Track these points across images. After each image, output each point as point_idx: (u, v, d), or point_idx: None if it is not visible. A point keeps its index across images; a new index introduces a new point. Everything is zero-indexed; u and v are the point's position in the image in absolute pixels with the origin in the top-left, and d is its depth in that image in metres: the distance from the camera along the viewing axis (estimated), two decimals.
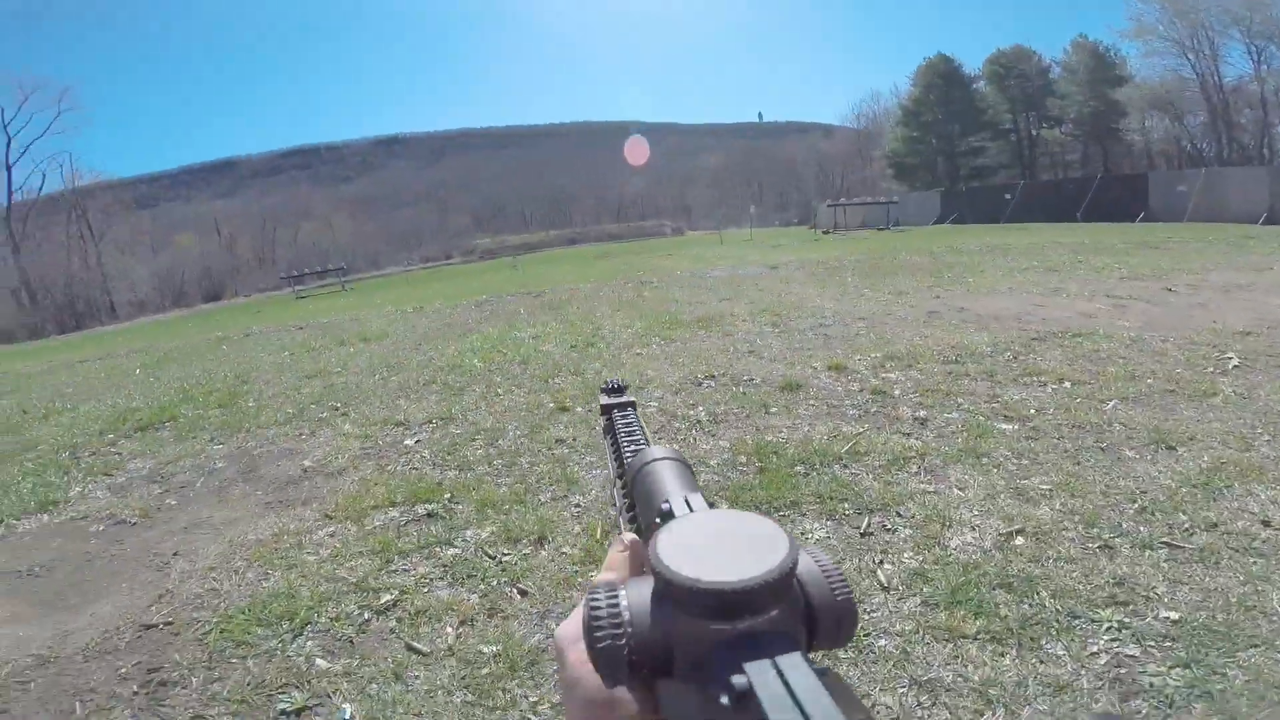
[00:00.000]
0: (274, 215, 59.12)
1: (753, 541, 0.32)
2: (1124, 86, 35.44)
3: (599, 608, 0.33)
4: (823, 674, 0.27)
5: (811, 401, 4.28)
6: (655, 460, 0.51)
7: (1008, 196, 27.60)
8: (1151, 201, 21.65)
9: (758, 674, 0.27)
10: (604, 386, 0.68)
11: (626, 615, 0.32)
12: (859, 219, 30.06)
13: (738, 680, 0.26)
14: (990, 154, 42.33)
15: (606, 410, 0.65)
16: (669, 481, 0.49)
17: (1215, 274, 8.11)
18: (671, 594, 0.31)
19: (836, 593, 0.33)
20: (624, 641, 0.32)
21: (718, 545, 0.33)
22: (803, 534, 2.64)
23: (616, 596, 0.33)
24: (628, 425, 0.61)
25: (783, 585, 0.31)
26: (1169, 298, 6.82)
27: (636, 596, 0.33)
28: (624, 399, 0.66)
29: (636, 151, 75.52)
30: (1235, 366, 4.32)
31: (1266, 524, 2.39)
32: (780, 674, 0.26)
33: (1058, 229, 18.88)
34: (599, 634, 0.32)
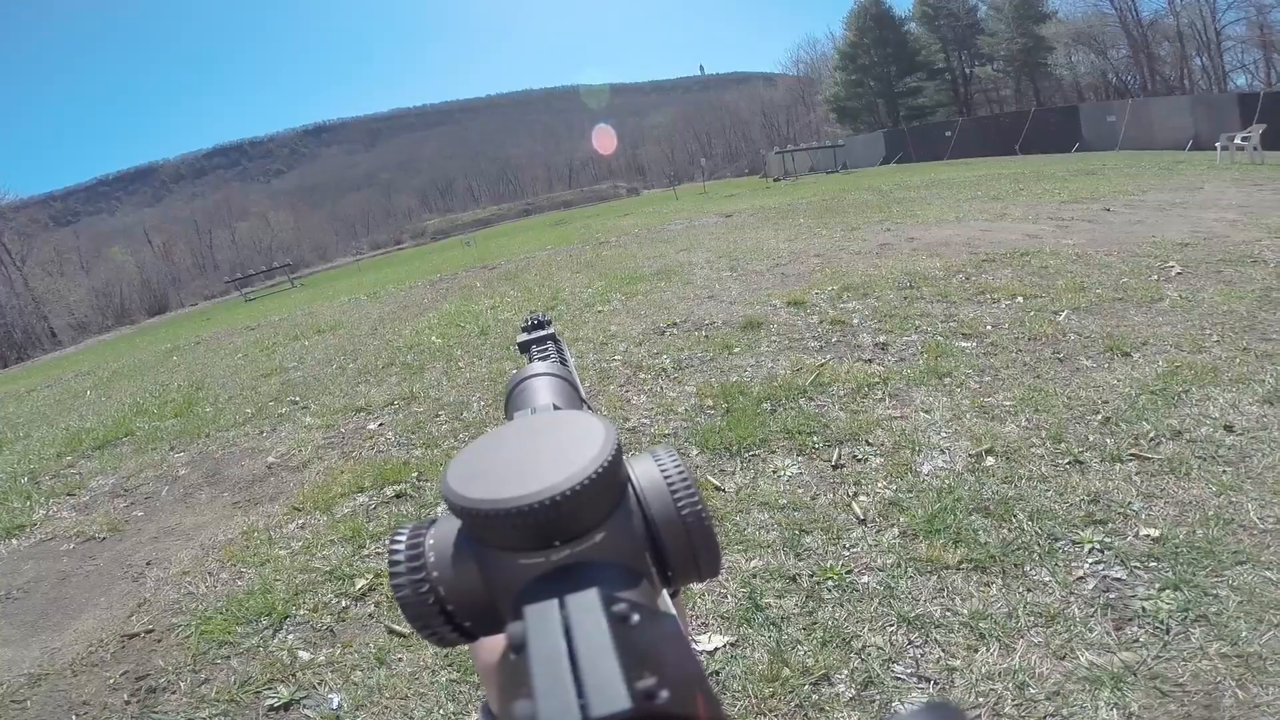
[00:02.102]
0: (207, 218, 56.79)
1: (564, 447, 0.26)
2: (1048, 23, 36.23)
3: (397, 551, 0.27)
4: (622, 620, 0.21)
5: (773, 338, 4.31)
6: (530, 376, 0.45)
7: (948, 134, 27.93)
8: (1084, 132, 22.22)
9: (538, 620, 0.21)
10: (523, 324, 0.62)
11: (431, 558, 0.26)
12: (808, 164, 30.12)
13: (514, 630, 0.21)
14: (928, 94, 42.75)
15: (525, 348, 0.59)
16: (539, 395, 0.43)
17: (1150, 194, 8.35)
18: (466, 524, 0.25)
19: (681, 505, 0.27)
20: (427, 589, 0.26)
21: (523, 457, 0.26)
22: (774, 472, 2.65)
23: (420, 536, 0.27)
24: (544, 358, 0.55)
25: (594, 498, 0.24)
26: (1109, 217, 7.00)
27: (443, 535, 0.27)
28: (543, 333, 0.60)
29: (604, 141, 74.02)
30: (1178, 274, 4.46)
31: (1229, 429, 2.43)
32: (565, 619, 0.21)
33: (998, 162, 19.24)
34: (396, 582, 0.26)
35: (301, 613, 2.33)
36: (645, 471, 0.28)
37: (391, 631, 2.14)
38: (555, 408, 0.39)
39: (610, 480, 0.25)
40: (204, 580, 2.71)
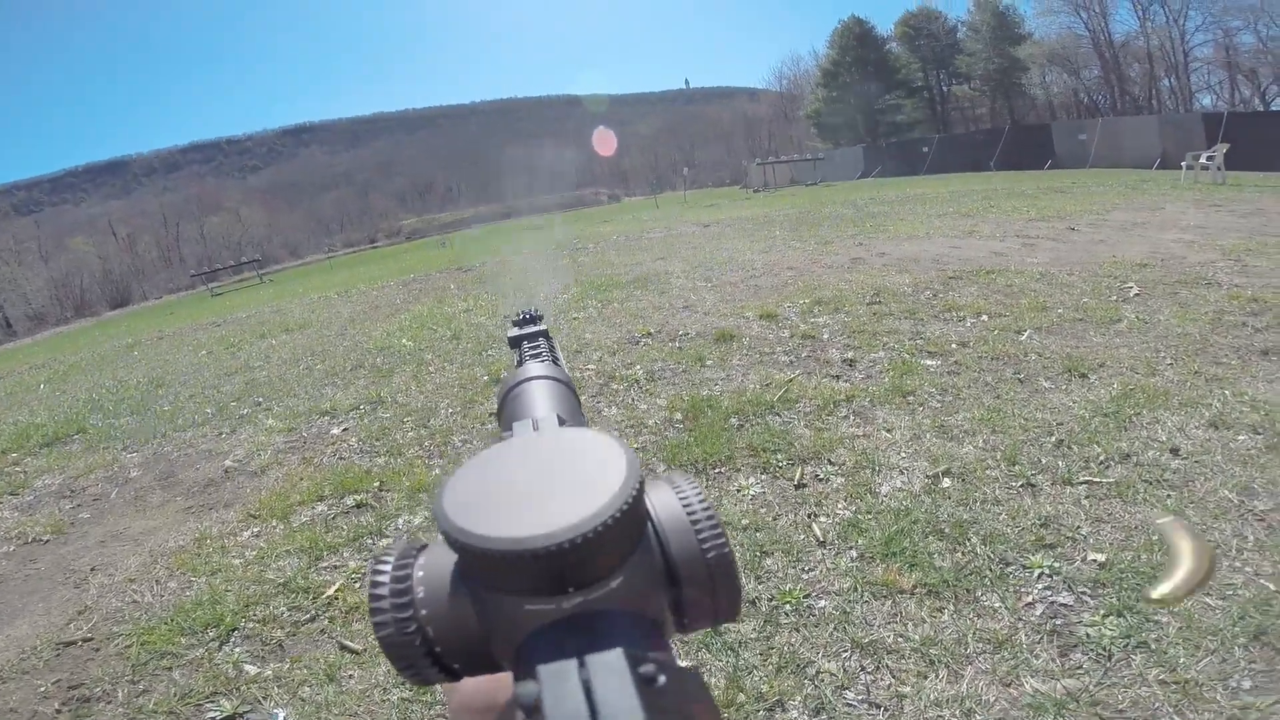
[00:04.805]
0: (176, 211, 55.52)
1: (581, 477, 0.23)
2: (1024, 44, 37.26)
3: (380, 583, 0.24)
4: (649, 683, 0.19)
5: (745, 351, 4.34)
6: (526, 380, 0.42)
7: (925, 150, 28.46)
8: (1057, 150, 22.77)
9: (554, 681, 0.19)
10: (514, 319, 0.60)
11: (420, 593, 0.23)
12: (787, 177, 30.50)
13: (525, 690, 0.19)
14: (906, 111, 43.57)
15: (516, 343, 0.56)
16: (538, 403, 0.39)
17: (1114, 214, 8.58)
18: (464, 560, 0.23)
19: (706, 545, 0.24)
20: (414, 629, 0.23)
21: (534, 486, 0.23)
22: (738, 490, 2.65)
23: (407, 565, 0.24)
24: (536, 357, 0.52)
25: (617, 539, 0.22)
26: (1073, 236, 7.17)
27: (436, 565, 0.24)
28: (535, 329, 0.58)
29: (604, 143, 73.92)
30: (1136, 295, 4.58)
31: (1175, 453, 2.49)
32: (586, 681, 0.19)
33: (972, 178, 19.65)
34: (379, 619, 0.23)
35: (251, 625, 2.27)
36: (664, 504, 0.25)
37: (344, 647, 2.10)
38: (560, 420, 0.35)
39: (634, 518, 0.23)
40: (150, 588, 2.63)
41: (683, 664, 0.22)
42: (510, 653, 0.22)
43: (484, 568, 0.22)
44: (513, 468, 0.25)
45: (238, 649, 2.17)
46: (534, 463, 0.25)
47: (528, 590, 0.22)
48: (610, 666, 0.19)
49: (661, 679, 0.19)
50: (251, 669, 2.07)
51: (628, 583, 0.23)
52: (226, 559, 2.74)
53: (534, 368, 0.44)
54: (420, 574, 0.24)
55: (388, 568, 0.24)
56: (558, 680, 0.19)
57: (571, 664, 0.19)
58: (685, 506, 0.25)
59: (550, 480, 0.23)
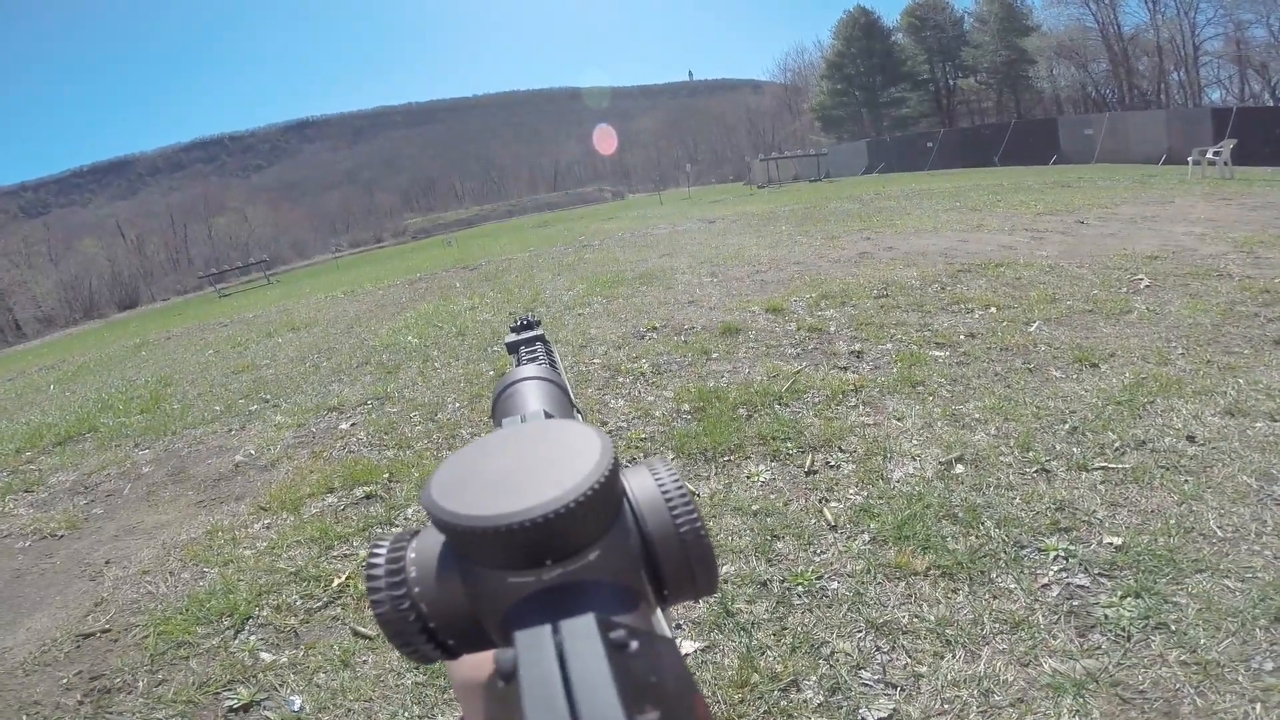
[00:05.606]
0: (183, 212, 55.78)
1: (557, 460, 0.25)
2: (1032, 36, 37.02)
3: (376, 564, 0.26)
4: (620, 648, 0.20)
5: (751, 344, 4.33)
6: (519, 380, 0.44)
7: (930, 145, 28.37)
8: (1062, 144, 22.66)
9: (530, 646, 0.20)
10: (512, 325, 0.62)
11: (412, 573, 0.25)
12: (791, 172, 30.44)
13: (503, 657, 0.20)
14: (911, 104, 43.47)
15: (514, 349, 0.59)
16: (528, 400, 0.42)
17: (1123, 208, 8.54)
18: (450, 539, 0.24)
19: (680, 522, 0.26)
20: (408, 606, 0.25)
21: (513, 469, 0.25)
22: (748, 477, 2.65)
23: (401, 549, 0.26)
24: (532, 359, 0.55)
25: (590, 515, 0.23)
26: (1082, 229, 7.13)
27: (427, 547, 0.26)
28: (532, 334, 0.60)
29: (604, 141, 73.81)
30: (1146, 286, 4.55)
31: (1191, 440, 2.48)
32: (559, 645, 0.20)
33: (978, 173, 19.59)
34: (375, 597, 0.25)
35: (265, 613, 2.29)
36: (641, 486, 0.27)
37: (357, 634, 2.11)
38: (546, 415, 0.37)
39: (606, 496, 0.24)
40: (165, 580, 2.65)
41: (662, 634, 0.23)
42: (497, 626, 0.24)
43: (468, 545, 0.24)
44: (495, 456, 0.26)
45: (253, 637, 2.18)
46: (515, 451, 0.26)
47: (508, 563, 0.23)
48: (582, 631, 0.20)
49: (633, 644, 0.20)
50: (267, 656, 2.08)
51: (605, 556, 0.24)
52: (238, 550, 2.76)
53: (526, 369, 0.46)
54: (413, 555, 0.26)
55: (383, 551, 0.26)
56: (533, 645, 0.20)
57: (546, 630, 0.20)
58: (660, 488, 0.27)
59: (529, 465, 0.25)
